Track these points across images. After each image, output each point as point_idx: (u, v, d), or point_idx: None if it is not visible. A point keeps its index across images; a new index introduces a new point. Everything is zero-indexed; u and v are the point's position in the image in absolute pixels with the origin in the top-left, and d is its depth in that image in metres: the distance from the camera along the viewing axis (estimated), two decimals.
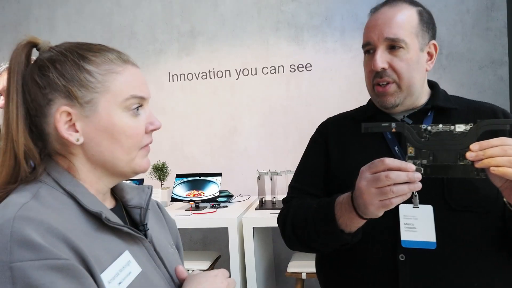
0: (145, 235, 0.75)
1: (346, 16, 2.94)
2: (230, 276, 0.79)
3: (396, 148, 1.03)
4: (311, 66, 3.00)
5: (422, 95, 1.07)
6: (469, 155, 0.82)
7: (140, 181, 2.71)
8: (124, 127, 0.68)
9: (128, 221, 0.77)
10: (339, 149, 1.12)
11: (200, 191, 2.67)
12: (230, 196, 2.82)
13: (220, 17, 3.11)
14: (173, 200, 2.68)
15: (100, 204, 0.68)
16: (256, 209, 2.50)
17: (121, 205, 0.78)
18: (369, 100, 1.17)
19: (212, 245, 3.07)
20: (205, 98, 3.15)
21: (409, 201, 0.88)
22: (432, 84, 1.12)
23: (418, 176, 0.81)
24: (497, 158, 0.79)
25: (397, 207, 0.88)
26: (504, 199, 0.90)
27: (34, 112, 0.67)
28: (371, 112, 1.12)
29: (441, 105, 1.05)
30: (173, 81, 3.20)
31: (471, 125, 0.84)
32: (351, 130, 1.11)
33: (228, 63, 3.11)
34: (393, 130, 0.88)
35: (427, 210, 0.90)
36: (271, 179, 2.61)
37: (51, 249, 0.55)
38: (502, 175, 0.80)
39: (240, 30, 3.09)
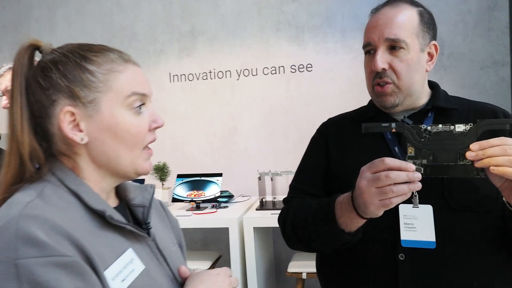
0: (148, 234, 0.76)
1: (346, 17, 2.94)
2: (232, 275, 0.80)
3: (396, 149, 1.03)
4: (311, 67, 3.00)
5: (422, 96, 1.07)
6: (469, 154, 0.82)
7: (141, 182, 2.71)
8: (127, 125, 0.69)
9: (131, 219, 0.78)
10: (339, 150, 1.13)
11: (201, 192, 2.67)
12: (230, 196, 2.82)
13: (220, 17, 3.11)
14: (174, 200, 2.68)
15: (104, 202, 0.69)
16: (256, 209, 2.51)
17: (124, 204, 0.79)
18: (370, 101, 1.17)
19: (212, 245, 3.07)
20: (205, 99, 3.15)
21: (409, 201, 0.88)
22: (432, 85, 1.12)
23: (418, 176, 0.81)
24: (497, 158, 0.80)
25: (397, 207, 0.89)
26: (504, 198, 0.90)
27: (39, 113, 0.68)
28: (372, 113, 1.12)
29: (442, 106, 1.05)
30: (173, 81, 3.20)
31: (470, 125, 0.85)
32: (351, 131, 1.11)
33: (228, 63, 3.11)
34: (393, 130, 0.88)
35: (427, 210, 0.91)
36: (271, 180, 2.61)
37: (55, 246, 0.56)
38: (501, 174, 0.80)
39: (241, 31, 3.09)
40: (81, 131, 0.67)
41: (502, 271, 0.97)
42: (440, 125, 0.87)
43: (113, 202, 0.76)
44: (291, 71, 3.03)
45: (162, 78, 3.19)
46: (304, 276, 2.29)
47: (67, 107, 0.66)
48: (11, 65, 1.55)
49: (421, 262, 0.95)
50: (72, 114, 0.67)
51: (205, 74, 3.15)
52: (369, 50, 1.05)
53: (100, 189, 0.71)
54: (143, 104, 0.72)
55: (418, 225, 0.90)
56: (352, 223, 0.92)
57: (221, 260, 2.67)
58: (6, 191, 0.65)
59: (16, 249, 0.54)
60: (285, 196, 1.21)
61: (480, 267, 0.95)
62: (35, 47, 0.71)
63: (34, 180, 0.66)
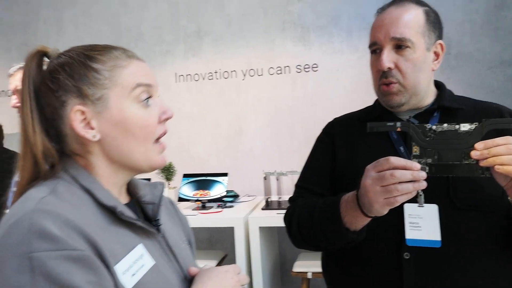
0: (158, 230, 0.77)
1: (352, 16, 2.93)
2: (241, 272, 0.80)
3: (401, 148, 1.03)
4: (317, 67, 3.00)
5: (428, 95, 1.07)
6: (474, 153, 0.83)
7: (147, 180, 2.72)
8: (136, 119, 0.70)
9: (142, 216, 0.80)
10: (345, 149, 1.13)
11: (207, 191, 2.68)
12: (236, 196, 2.83)
13: (226, 17, 3.12)
14: (180, 199, 2.69)
15: (115, 199, 0.71)
16: (262, 209, 2.51)
17: (135, 201, 0.81)
18: (376, 101, 1.17)
19: (218, 245, 3.08)
20: (211, 99, 3.16)
21: (414, 200, 0.89)
22: (438, 84, 1.12)
23: (423, 175, 0.81)
24: (502, 157, 0.80)
25: (401, 206, 0.89)
26: (509, 198, 0.90)
27: (51, 116, 0.69)
28: (378, 112, 1.12)
29: (447, 105, 1.05)
30: (179, 81, 3.21)
31: (476, 124, 0.85)
32: (357, 130, 1.11)
33: (234, 63, 3.12)
34: (398, 129, 0.88)
35: (432, 209, 0.91)
36: (277, 179, 2.61)
37: (67, 240, 0.57)
38: (506, 173, 0.80)
39: (246, 31, 3.09)
40: (92, 128, 0.69)
41: (506, 270, 0.97)
42: (445, 124, 0.87)
43: (124, 199, 0.77)
44: (296, 71, 3.03)
45: (168, 78, 3.21)
46: (309, 275, 2.28)
47: (77, 106, 0.68)
48: (21, 65, 1.57)
49: (426, 261, 0.95)
50: (82, 112, 0.68)
51: (210, 74, 3.16)
52: (375, 49, 1.05)
53: (112, 185, 0.73)
54: (150, 97, 0.73)
55: (423, 224, 0.90)
56: (357, 222, 0.92)
57: (226, 260, 2.68)
58: (23, 189, 0.67)
59: (29, 243, 0.56)
60: (291, 195, 1.21)
61: (485, 266, 0.95)
62: (42, 53, 0.72)
63: (47, 178, 0.68)
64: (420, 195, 0.90)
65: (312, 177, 1.18)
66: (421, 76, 1.02)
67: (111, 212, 0.68)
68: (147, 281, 0.67)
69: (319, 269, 1.21)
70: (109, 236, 0.65)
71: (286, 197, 2.39)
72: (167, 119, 0.75)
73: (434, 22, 1.04)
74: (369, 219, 0.91)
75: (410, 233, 0.91)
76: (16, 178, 1.51)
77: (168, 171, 2.84)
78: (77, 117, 0.68)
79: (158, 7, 3.22)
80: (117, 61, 0.71)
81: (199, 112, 3.18)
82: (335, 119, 1.24)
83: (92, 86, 0.69)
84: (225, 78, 3.14)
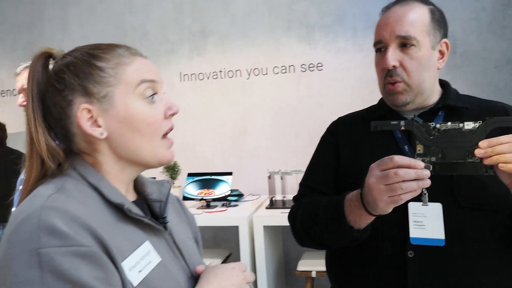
0: (165, 227, 0.78)
1: (357, 15, 2.92)
2: (247, 270, 0.81)
3: (406, 147, 1.03)
4: (322, 66, 3.00)
5: (433, 94, 1.07)
6: (478, 152, 0.83)
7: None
8: (142, 115, 0.71)
9: (149, 214, 0.80)
10: (350, 148, 1.13)
11: (211, 190, 2.69)
12: (240, 195, 2.83)
13: (230, 16, 3.12)
14: (185, 198, 2.70)
15: (122, 196, 0.71)
16: (266, 208, 2.51)
17: (142, 199, 0.82)
18: (380, 100, 1.17)
19: (223, 243, 3.09)
20: (216, 98, 3.17)
21: (418, 199, 0.89)
22: (443, 83, 1.11)
23: (427, 173, 0.81)
24: (506, 155, 0.80)
25: (406, 204, 0.89)
26: None
27: (58, 116, 0.70)
28: (382, 111, 1.12)
29: (452, 104, 1.05)
30: (184, 81, 3.22)
31: (480, 122, 0.85)
32: (361, 129, 1.11)
33: (238, 63, 3.12)
34: (402, 128, 0.88)
35: (436, 208, 0.91)
36: (281, 178, 2.61)
37: (75, 237, 0.58)
38: (510, 171, 0.80)
39: (251, 30, 3.09)
40: (99, 126, 0.70)
41: (510, 269, 0.97)
42: (449, 123, 0.87)
43: (131, 196, 0.78)
44: (301, 71, 3.03)
45: (172, 77, 3.22)
46: (313, 274, 2.28)
47: (83, 104, 0.69)
48: (27, 64, 1.58)
49: (430, 259, 0.95)
50: (89, 111, 0.69)
51: (215, 73, 3.16)
52: (380, 47, 1.05)
53: (120, 182, 0.74)
54: (155, 93, 0.73)
55: (427, 223, 0.90)
56: (361, 220, 0.93)
57: (231, 258, 2.68)
58: (32, 187, 0.69)
59: (38, 239, 0.56)
60: (295, 194, 1.22)
61: (489, 264, 0.95)
62: (48, 55, 0.73)
63: (56, 175, 0.69)
64: (424, 193, 0.90)
65: (316, 176, 1.18)
66: (426, 74, 1.02)
67: (118, 209, 0.69)
68: (154, 277, 0.67)
69: (323, 268, 1.22)
70: (116, 232, 0.66)
71: (290, 196, 2.39)
72: (173, 114, 0.76)
73: (439, 21, 1.04)
74: (373, 217, 0.91)
75: (414, 232, 0.91)
76: (22, 176, 1.52)
77: (172, 170, 2.85)
78: (84, 116, 0.69)
79: (162, 7, 3.23)
80: (121, 58, 0.72)
81: (204, 111, 3.18)
82: (339, 118, 1.24)
83: (97, 84, 0.69)
84: (230, 77, 3.14)
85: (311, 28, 3.00)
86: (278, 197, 2.64)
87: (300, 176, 1.26)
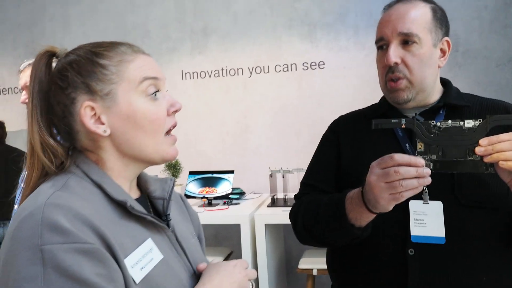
0: (168, 225, 0.78)
1: (359, 14, 2.92)
2: (249, 267, 0.81)
3: (407, 145, 1.03)
4: (324, 64, 3.00)
5: (434, 92, 1.07)
6: (478, 150, 0.83)
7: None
8: (144, 112, 0.71)
9: (152, 211, 0.81)
10: (351, 147, 1.13)
11: (213, 188, 2.69)
12: (242, 193, 2.84)
13: (232, 15, 3.12)
14: (186, 196, 2.70)
15: (125, 193, 0.72)
16: (268, 206, 2.52)
17: (145, 196, 0.82)
18: (381, 98, 1.17)
19: (224, 241, 3.09)
20: (217, 96, 3.17)
21: (419, 197, 0.89)
22: (444, 82, 1.12)
23: (427, 171, 0.82)
24: (506, 153, 0.80)
25: (407, 202, 0.89)
26: None
27: (62, 113, 0.71)
28: (383, 109, 1.12)
29: (453, 103, 1.05)
30: (186, 79, 3.22)
31: (480, 120, 0.85)
32: (363, 128, 1.12)
33: (240, 61, 3.12)
34: (403, 126, 0.89)
35: (437, 206, 0.91)
36: (283, 177, 2.61)
37: (78, 234, 0.59)
38: (510, 169, 0.81)
39: (253, 28, 3.09)
40: (102, 123, 0.70)
41: (510, 268, 0.97)
42: (450, 121, 0.87)
43: (134, 194, 0.79)
44: (303, 69, 3.03)
45: (174, 76, 3.22)
46: (314, 272, 2.29)
47: (86, 102, 0.69)
48: (31, 61, 1.59)
49: (431, 257, 0.95)
50: (92, 108, 0.70)
51: (217, 71, 3.17)
52: (382, 45, 1.05)
53: (123, 179, 0.74)
54: (158, 90, 0.74)
55: (428, 221, 0.91)
56: (361, 218, 0.93)
57: (232, 256, 2.69)
58: (34, 185, 0.69)
59: (41, 236, 0.57)
60: (296, 193, 1.22)
61: (489, 263, 0.95)
62: (51, 53, 0.74)
63: (59, 173, 0.70)
64: (425, 192, 0.90)
65: (317, 174, 1.18)
66: (428, 72, 1.02)
67: (121, 207, 0.69)
68: (156, 274, 0.68)
69: (325, 266, 1.22)
70: (119, 230, 0.66)
71: (291, 194, 2.39)
72: (176, 111, 0.76)
73: (441, 19, 1.04)
74: (374, 215, 0.91)
75: (415, 230, 0.91)
76: (23, 174, 1.53)
77: (174, 168, 2.86)
78: (87, 113, 0.69)
79: (164, 5, 3.23)
80: (124, 56, 0.72)
81: (206, 110, 3.19)
82: (341, 116, 1.24)
83: (100, 81, 0.70)
84: (232, 75, 3.15)
85: (313, 27, 3.00)
86: (280, 195, 2.65)
87: (301, 175, 1.26)
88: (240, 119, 3.14)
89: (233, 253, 2.70)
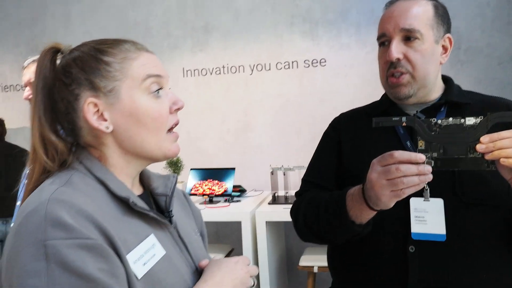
0: (170, 221, 0.78)
1: (361, 11, 2.91)
2: (250, 264, 0.82)
3: (408, 143, 1.03)
4: (325, 62, 2.99)
5: (435, 89, 1.07)
6: (479, 147, 0.83)
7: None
8: (147, 109, 0.72)
9: (154, 207, 0.81)
10: (352, 144, 1.13)
11: (216, 181, 2.70)
12: (243, 190, 2.84)
13: (234, 12, 3.12)
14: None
15: (128, 190, 0.72)
16: (269, 203, 2.52)
17: (148, 193, 0.83)
18: (383, 95, 1.17)
19: (225, 239, 3.10)
20: (218, 94, 3.17)
21: (420, 194, 0.89)
22: (446, 79, 1.12)
23: (428, 168, 0.82)
24: (507, 150, 0.80)
25: (407, 200, 0.89)
26: None
27: (66, 110, 0.71)
28: (385, 106, 1.12)
29: (455, 100, 1.05)
30: (187, 76, 3.22)
31: (481, 118, 0.85)
32: (364, 125, 1.12)
33: (241, 58, 3.12)
34: (404, 124, 0.89)
35: (438, 204, 0.91)
36: (284, 174, 2.62)
37: (81, 229, 0.59)
38: (511, 166, 0.80)
39: (254, 25, 3.09)
40: (105, 120, 0.71)
41: (510, 266, 0.97)
42: (451, 118, 0.87)
43: (137, 190, 0.79)
44: (304, 66, 3.02)
45: (175, 73, 3.22)
46: (315, 269, 2.29)
47: (90, 98, 0.70)
48: (34, 58, 1.59)
49: (431, 255, 0.96)
50: (95, 104, 0.70)
51: (218, 69, 3.16)
52: (384, 41, 1.06)
53: (126, 175, 0.74)
54: (161, 88, 0.74)
55: (428, 218, 0.91)
56: (362, 215, 0.93)
57: (233, 253, 2.69)
58: (37, 180, 0.70)
59: (44, 231, 0.58)
60: (297, 190, 1.22)
61: (489, 261, 0.95)
62: (56, 50, 0.74)
63: (63, 169, 0.70)
64: (426, 189, 0.90)
65: (318, 171, 1.19)
66: (430, 68, 1.02)
67: (124, 203, 0.69)
68: (158, 270, 0.68)
69: (325, 263, 1.22)
70: (122, 226, 0.67)
71: (293, 192, 2.39)
72: (178, 109, 0.77)
73: (443, 16, 1.04)
74: (375, 212, 0.91)
75: (416, 227, 0.91)
76: (26, 170, 1.53)
77: (175, 166, 2.86)
78: (90, 109, 0.70)
79: (165, 2, 3.23)
80: (127, 53, 0.73)
81: (207, 107, 3.19)
82: (342, 114, 1.24)
83: (103, 78, 0.70)
84: (233, 73, 3.14)
85: (314, 24, 2.99)
86: (281, 193, 2.65)
87: (302, 172, 1.27)
88: (241, 117, 3.14)
89: (234, 250, 2.71)
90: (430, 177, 0.82)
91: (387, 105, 1.12)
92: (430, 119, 0.88)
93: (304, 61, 3.02)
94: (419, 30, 1.00)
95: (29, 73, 1.49)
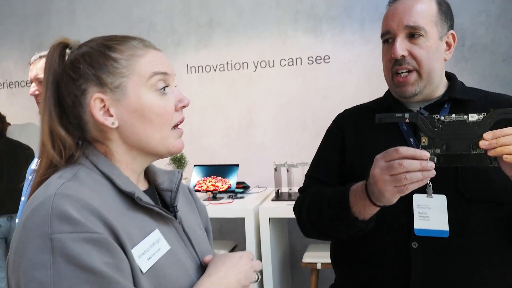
0: (175, 216, 0.79)
1: (365, 7, 2.90)
2: (254, 259, 0.82)
3: (411, 140, 1.03)
4: (329, 58, 2.98)
5: (440, 86, 1.07)
6: (482, 143, 0.83)
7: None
8: (153, 106, 0.72)
9: (160, 203, 0.82)
10: (355, 140, 1.13)
11: (220, 178, 2.71)
12: (247, 187, 2.85)
13: (238, 8, 3.11)
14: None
15: (134, 185, 0.73)
16: (272, 200, 2.53)
17: (153, 188, 0.83)
18: (386, 92, 1.17)
19: (229, 235, 3.11)
20: (222, 90, 3.17)
21: (423, 191, 0.89)
22: (449, 76, 1.11)
23: (431, 164, 0.82)
24: (510, 147, 0.80)
25: (410, 196, 0.89)
26: None
27: (73, 104, 0.72)
28: (388, 103, 1.12)
29: (458, 97, 1.05)
30: (191, 72, 3.22)
31: (484, 114, 0.85)
32: (367, 122, 1.12)
33: (245, 55, 3.12)
34: (407, 120, 0.89)
35: (441, 200, 0.91)
36: (287, 171, 2.62)
37: (86, 223, 0.60)
38: None
39: (258, 22, 3.08)
40: (111, 115, 0.71)
41: None
42: (454, 115, 0.87)
43: (142, 186, 0.80)
44: (308, 63, 3.02)
45: (179, 69, 3.22)
46: (318, 266, 2.30)
47: (96, 94, 0.71)
48: (41, 54, 1.59)
49: (434, 251, 0.96)
50: (102, 100, 0.71)
51: (222, 65, 3.16)
52: (388, 38, 1.05)
53: (131, 171, 0.75)
54: (167, 86, 0.75)
55: (431, 215, 0.91)
56: (365, 211, 0.93)
57: (236, 250, 2.70)
58: (44, 174, 0.71)
59: (51, 225, 0.58)
60: (301, 186, 1.22)
61: (492, 258, 0.95)
62: (64, 45, 0.75)
63: (70, 164, 0.71)
64: (429, 186, 0.91)
65: (321, 167, 1.19)
66: (435, 64, 1.02)
67: (129, 198, 0.70)
68: (163, 264, 0.69)
69: (329, 260, 1.23)
70: (127, 220, 0.67)
71: (296, 188, 2.40)
72: (183, 107, 0.77)
73: (446, 12, 1.04)
74: (378, 208, 0.92)
75: (419, 223, 0.92)
76: (32, 166, 1.55)
77: (179, 162, 2.87)
78: (97, 105, 0.71)
79: None
80: (135, 50, 0.73)
81: (210, 104, 3.19)
82: (346, 110, 1.24)
83: (110, 74, 0.71)
84: (237, 69, 3.14)
85: (318, 20, 2.99)
86: (284, 189, 2.65)
87: (306, 169, 1.27)
88: (245, 113, 3.14)
89: (237, 247, 2.72)
90: (433, 173, 0.82)
91: (391, 102, 1.12)
92: (433, 116, 0.89)
93: (308, 58, 3.01)
94: (424, 27, 0.99)
95: (36, 69, 1.50)
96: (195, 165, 2.83)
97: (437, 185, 0.90)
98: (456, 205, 0.94)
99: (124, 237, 0.64)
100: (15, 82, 3.56)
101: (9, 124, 3.17)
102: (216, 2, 3.15)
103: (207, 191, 2.67)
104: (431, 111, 1.03)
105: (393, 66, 1.04)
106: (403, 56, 1.01)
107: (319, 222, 1.06)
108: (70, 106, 0.72)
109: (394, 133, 1.06)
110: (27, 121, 3.44)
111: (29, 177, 1.50)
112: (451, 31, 1.05)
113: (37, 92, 1.51)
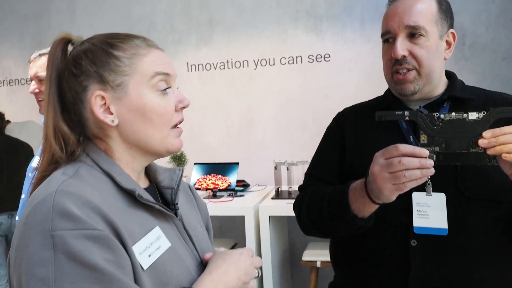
0: (176, 214, 0.80)
1: (366, 6, 2.90)
2: (254, 255, 0.83)
3: (411, 138, 1.04)
4: (329, 57, 2.98)
5: (439, 84, 1.07)
6: (482, 142, 0.83)
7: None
8: (154, 106, 0.73)
9: (160, 200, 0.82)
10: (355, 139, 1.14)
11: (219, 176, 2.71)
12: (246, 185, 2.85)
13: (238, 7, 3.11)
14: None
15: (134, 182, 0.74)
16: (272, 198, 2.53)
17: (154, 186, 0.84)
18: (386, 90, 1.17)
19: (228, 233, 3.12)
20: (223, 89, 3.17)
21: (422, 189, 0.90)
22: (449, 74, 1.12)
23: (431, 162, 0.82)
24: (509, 145, 0.81)
25: (410, 194, 0.89)
26: None
27: (73, 100, 0.73)
28: (388, 101, 1.13)
29: (458, 96, 1.05)
30: (191, 71, 3.23)
31: (484, 112, 0.85)
32: (367, 120, 1.12)
33: (246, 53, 3.12)
34: (406, 118, 0.89)
35: (440, 198, 0.92)
36: (287, 169, 2.62)
37: (87, 220, 0.60)
38: None
39: (259, 20, 3.08)
40: (111, 113, 0.72)
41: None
42: (453, 113, 0.88)
43: (143, 183, 0.80)
44: (308, 62, 3.02)
45: (180, 68, 3.22)
46: (318, 264, 2.31)
47: (98, 91, 0.71)
48: (41, 52, 1.59)
49: (433, 249, 0.96)
50: (103, 98, 0.71)
51: (222, 64, 3.16)
52: (388, 38, 1.06)
53: (131, 169, 0.76)
54: (168, 87, 0.75)
55: (430, 213, 0.91)
56: (364, 209, 0.94)
57: (236, 248, 2.70)
58: (45, 170, 0.71)
59: (52, 222, 0.59)
60: (301, 184, 1.23)
61: (491, 257, 0.96)
62: (67, 41, 0.75)
63: (71, 161, 0.72)
64: (428, 184, 0.91)
65: (321, 165, 1.20)
66: (435, 63, 1.03)
67: (130, 195, 0.71)
68: (163, 261, 0.69)
69: (328, 258, 1.23)
70: (128, 218, 0.68)
71: (296, 186, 2.40)
72: (183, 107, 0.78)
73: (446, 11, 1.04)
74: (377, 206, 0.92)
75: (418, 221, 0.92)
76: (32, 164, 1.55)
77: (179, 160, 2.87)
78: (97, 102, 0.71)
79: None
80: (138, 49, 0.74)
81: (211, 102, 3.19)
82: (345, 109, 1.25)
83: (112, 72, 0.71)
84: (237, 68, 3.14)
85: (318, 19, 2.99)
86: (284, 187, 2.66)
87: (306, 167, 1.27)
88: (245, 111, 3.14)
89: (237, 245, 2.73)
90: (432, 171, 0.82)
91: (391, 100, 1.12)
92: (433, 114, 0.89)
93: (308, 56, 3.02)
94: (424, 27, 1.00)
95: (36, 67, 1.49)
96: (195, 163, 2.84)
97: (437, 183, 0.91)
98: (455, 203, 0.94)
99: (125, 234, 0.64)
100: (15, 80, 3.56)
101: (9, 121, 3.17)
102: (216, 1, 3.15)
103: (207, 189, 2.68)
104: (431, 109, 1.03)
105: (393, 66, 1.04)
106: (403, 56, 1.01)
107: (319, 220, 1.06)
108: (71, 102, 0.73)
109: (394, 131, 1.06)
110: (27, 119, 3.44)
111: (29, 174, 1.50)
112: (451, 30, 1.06)
113: (37, 90, 1.51)
